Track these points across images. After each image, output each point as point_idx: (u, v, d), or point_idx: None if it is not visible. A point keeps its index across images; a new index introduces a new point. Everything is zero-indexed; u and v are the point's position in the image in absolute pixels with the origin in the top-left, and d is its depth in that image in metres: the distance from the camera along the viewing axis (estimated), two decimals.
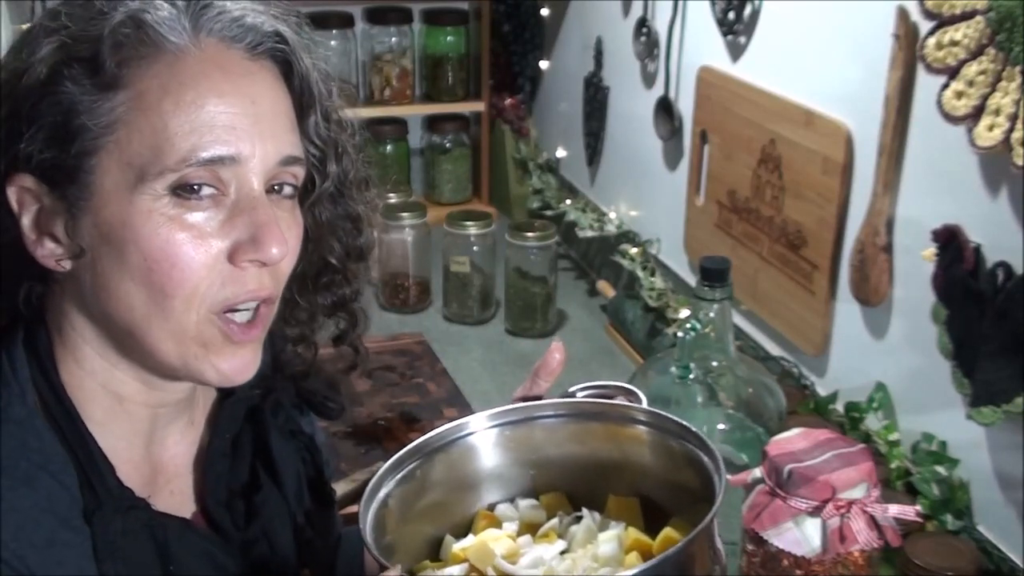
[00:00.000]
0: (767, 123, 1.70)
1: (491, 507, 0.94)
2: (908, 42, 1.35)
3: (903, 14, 1.35)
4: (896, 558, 1.26)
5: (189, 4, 0.80)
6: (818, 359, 1.64)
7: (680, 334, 1.34)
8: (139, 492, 0.85)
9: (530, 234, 2.14)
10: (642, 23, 2.10)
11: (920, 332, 1.39)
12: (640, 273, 2.05)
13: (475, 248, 2.19)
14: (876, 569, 1.11)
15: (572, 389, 0.97)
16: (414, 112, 2.73)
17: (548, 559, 0.83)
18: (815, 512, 1.04)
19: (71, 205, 0.79)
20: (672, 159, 2.08)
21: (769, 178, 1.70)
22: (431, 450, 0.92)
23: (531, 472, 0.95)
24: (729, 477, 0.92)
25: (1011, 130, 1.16)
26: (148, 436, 0.89)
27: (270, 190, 0.83)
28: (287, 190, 0.85)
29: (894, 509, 1.06)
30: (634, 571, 0.73)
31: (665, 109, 2.05)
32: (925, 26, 1.29)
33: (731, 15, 1.78)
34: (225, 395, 0.97)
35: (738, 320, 1.78)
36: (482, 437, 0.94)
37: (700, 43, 1.91)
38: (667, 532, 0.83)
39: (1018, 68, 1.15)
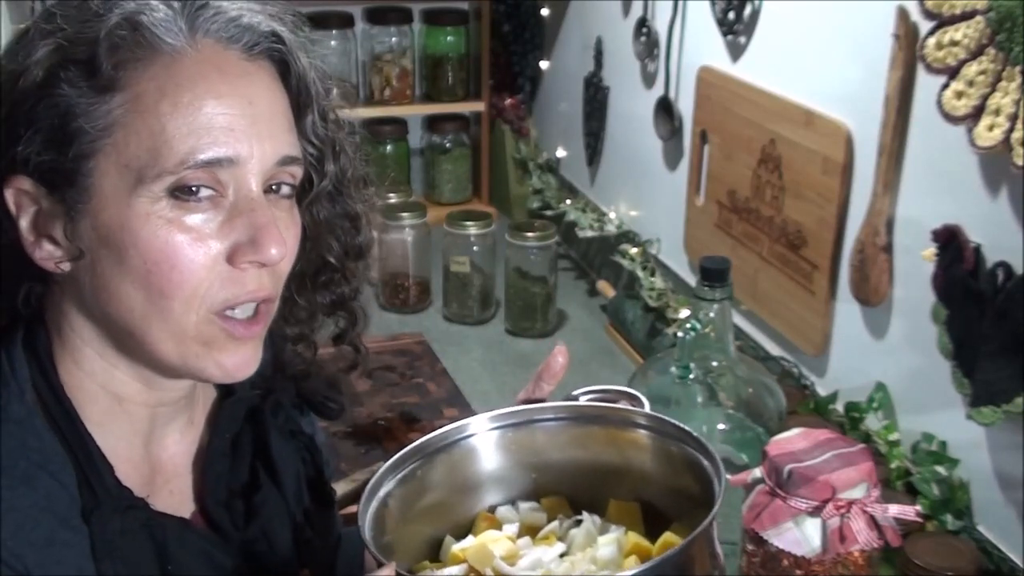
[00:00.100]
0: (767, 123, 1.70)
1: (492, 509, 0.94)
2: (908, 42, 1.35)
3: (903, 14, 1.35)
4: (896, 558, 1.26)
5: (185, 5, 0.80)
6: (818, 359, 1.64)
7: (680, 334, 1.34)
8: (138, 492, 0.85)
9: (530, 234, 2.14)
10: (642, 23, 2.10)
11: (920, 332, 1.39)
12: (640, 273, 2.05)
13: (475, 248, 2.19)
14: (876, 569, 1.10)
15: (575, 393, 0.97)
16: (414, 112, 2.73)
17: (547, 561, 0.83)
18: (815, 512, 1.04)
19: (69, 208, 0.79)
20: (672, 159, 2.08)
21: (769, 178, 1.70)
22: (432, 451, 0.92)
23: (532, 475, 0.94)
24: (729, 477, 0.92)
25: (1011, 130, 1.16)
26: (147, 436, 0.89)
27: (268, 190, 0.83)
28: (285, 190, 0.85)
29: (894, 509, 1.06)
30: (633, 571, 0.73)
31: (665, 109, 2.05)
32: (925, 26, 1.28)
33: (731, 15, 1.78)
34: (225, 395, 0.97)
35: (738, 320, 1.78)
36: (483, 439, 0.93)
37: (700, 43, 1.91)
38: (667, 537, 0.83)
39: (1018, 68, 1.15)
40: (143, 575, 0.83)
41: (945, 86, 1.24)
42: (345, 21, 2.58)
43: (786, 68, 1.68)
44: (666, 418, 0.89)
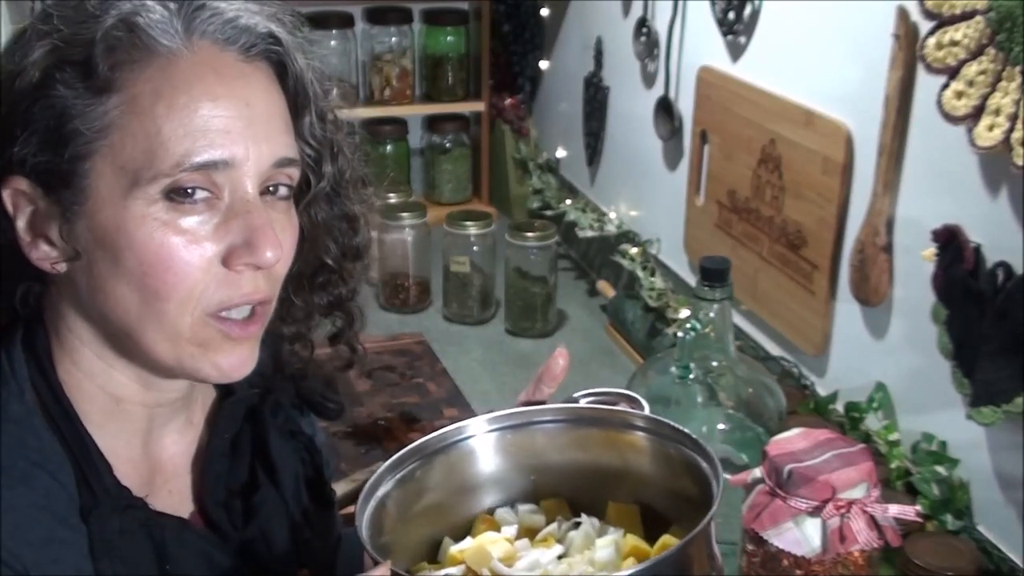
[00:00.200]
0: (767, 123, 1.70)
1: (491, 511, 0.94)
2: (908, 42, 1.35)
3: (903, 14, 1.35)
4: (896, 558, 1.26)
5: (182, 6, 0.80)
6: (818, 359, 1.64)
7: (680, 334, 1.34)
8: (137, 491, 0.85)
9: (530, 234, 2.14)
10: (642, 23, 2.10)
11: (920, 332, 1.39)
12: (640, 273, 2.05)
13: (475, 248, 2.19)
14: (876, 569, 1.10)
15: (576, 395, 0.97)
16: (414, 112, 2.73)
17: (545, 563, 0.83)
18: (815, 512, 1.04)
19: (65, 209, 0.79)
20: (672, 159, 2.08)
21: (769, 178, 1.70)
22: (430, 452, 0.91)
23: (532, 477, 0.94)
24: (729, 477, 0.92)
25: (1011, 130, 1.16)
26: (146, 436, 0.89)
27: (265, 191, 0.83)
28: (282, 191, 0.85)
29: (894, 509, 1.05)
30: (631, 571, 0.73)
31: (665, 109, 2.04)
32: (925, 26, 1.28)
33: (731, 15, 1.78)
34: (224, 395, 0.97)
35: (738, 320, 1.78)
36: (482, 440, 0.93)
37: (700, 43, 1.91)
38: (665, 539, 0.83)
39: (1018, 68, 1.15)
40: (141, 575, 0.83)
41: (945, 86, 1.24)
42: (345, 21, 2.58)
43: (786, 68, 1.68)
44: (664, 420, 0.89)
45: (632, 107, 2.20)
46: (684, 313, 1.87)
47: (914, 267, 1.39)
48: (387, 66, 2.63)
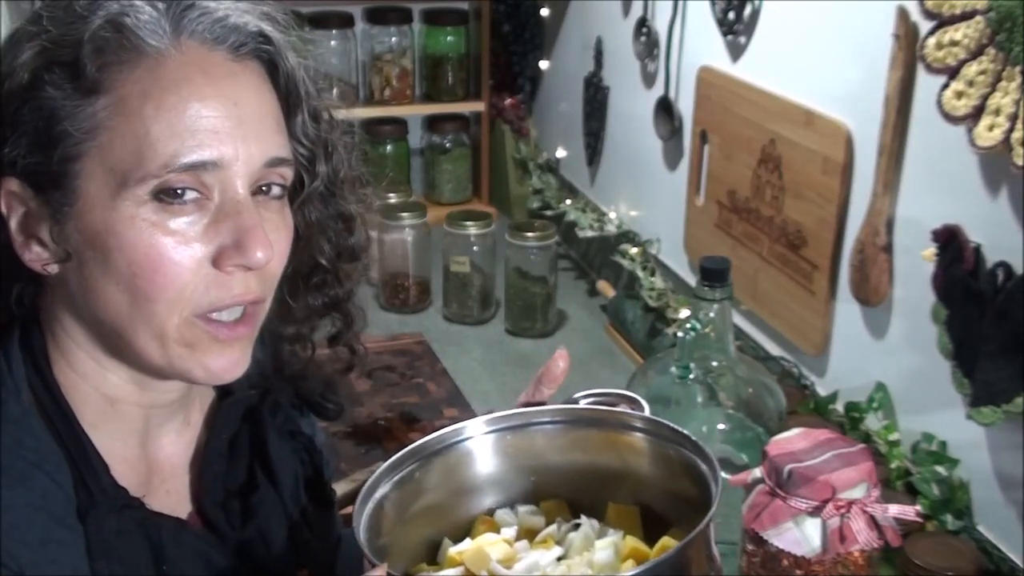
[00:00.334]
0: (767, 123, 1.70)
1: (491, 512, 0.94)
2: (908, 42, 1.35)
3: (903, 14, 1.35)
4: (896, 558, 1.26)
5: (171, 6, 0.79)
6: (818, 359, 1.64)
7: (680, 334, 1.34)
8: (134, 492, 0.85)
9: (530, 234, 2.14)
10: (642, 23, 2.10)
11: (920, 332, 1.39)
12: (640, 273, 2.05)
13: (475, 248, 2.19)
14: (876, 569, 1.10)
15: (576, 396, 0.97)
16: (414, 112, 2.73)
17: (544, 565, 0.83)
18: (815, 512, 1.03)
19: (56, 210, 0.79)
20: (672, 159, 2.07)
21: (769, 178, 1.70)
22: (429, 453, 0.91)
23: (531, 478, 0.94)
24: (729, 477, 0.92)
25: (1011, 130, 1.16)
26: (143, 436, 0.89)
27: (257, 191, 0.83)
28: (275, 191, 0.84)
29: (894, 509, 1.05)
30: (630, 573, 0.73)
31: (665, 109, 2.04)
32: (925, 26, 1.28)
33: (731, 15, 1.77)
34: (223, 395, 0.97)
35: (738, 320, 1.77)
36: (481, 442, 0.93)
37: (700, 43, 1.91)
38: (665, 541, 0.83)
39: (1018, 68, 1.15)
40: (139, 575, 0.83)
41: (945, 86, 1.24)
42: (345, 21, 2.58)
43: (786, 68, 1.68)
44: (664, 422, 0.89)
45: (632, 107, 2.20)
46: (684, 313, 1.87)
47: (914, 267, 1.39)
48: (387, 66, 2.63)
